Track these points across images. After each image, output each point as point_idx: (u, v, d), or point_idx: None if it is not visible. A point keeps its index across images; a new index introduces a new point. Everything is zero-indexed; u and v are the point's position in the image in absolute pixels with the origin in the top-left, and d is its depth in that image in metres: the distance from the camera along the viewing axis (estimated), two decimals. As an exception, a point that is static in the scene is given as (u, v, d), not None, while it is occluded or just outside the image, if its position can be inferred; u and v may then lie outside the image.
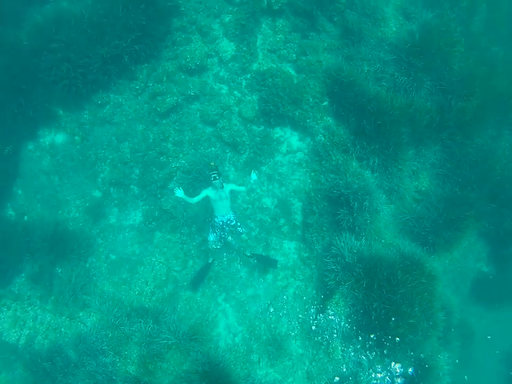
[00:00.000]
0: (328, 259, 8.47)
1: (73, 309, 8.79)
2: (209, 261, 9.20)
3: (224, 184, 8.55)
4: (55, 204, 9.86)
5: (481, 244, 10.80)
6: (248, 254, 9.08)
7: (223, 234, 8.88)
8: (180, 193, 8.25)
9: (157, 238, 9.65)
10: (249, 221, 9.68)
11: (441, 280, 8.56)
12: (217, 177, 8.33)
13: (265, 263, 9.25)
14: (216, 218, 8.80)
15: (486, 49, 9.71)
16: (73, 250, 9.31)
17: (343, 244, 8.38)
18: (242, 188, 8.93)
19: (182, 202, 9.38)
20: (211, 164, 8.55)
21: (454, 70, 9.29)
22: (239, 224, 8.96)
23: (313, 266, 9.11)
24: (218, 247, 9.01)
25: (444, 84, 9.29)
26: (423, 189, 9.55)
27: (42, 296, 9.01)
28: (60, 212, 9.81)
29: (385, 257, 8.14)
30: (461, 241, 9.27)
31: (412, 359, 8.01)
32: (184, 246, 9.55)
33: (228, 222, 8.82)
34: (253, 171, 8.59)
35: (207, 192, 8.56)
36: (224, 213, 8.76)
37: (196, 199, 8.51)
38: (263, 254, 9.35)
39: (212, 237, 8.92)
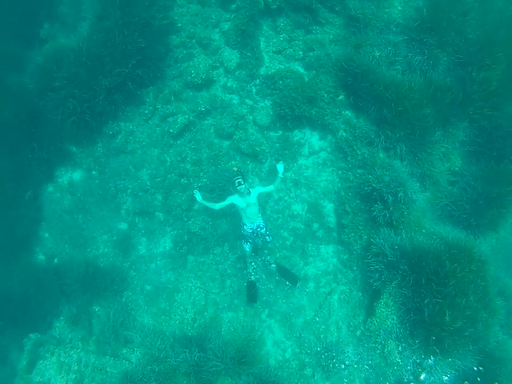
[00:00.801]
0: (370, 259, 8.05)
1: (116, 346, 8.64)
2: (252, 279, 8.73)
3: (250, 189, 8.18)
4: (83, 242, 9.78)
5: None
6: (272, 262, 8.71)
7: (256, 241, 8.61)
8: (198, 196, 8.01)
9: (190, 262, 9.40)
10: (282, 231, 9.35)
11: (492, 263, 7.99)
12: (242, 183, 7.95)
13: (286, 276, 8.83)
14: (245, 226, 8.46)
15: (504, 10, 9.05)
16: (107, 287, 9.18)
17: (382, 241, 7.97)
18: (271, 187, 8.48)
19: (210, 222, 9.19)
20: (234, 168, 8.29)
21: (470, 40, 8.70)
22: (268, 232, 8.61)
23: (355, 268, 8.72)
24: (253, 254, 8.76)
25: (462, 56, 8.73)
26: (456, 169, 9.01)
27: (84, 338, 8.92)
28: (88, 249, 9.72)
29: (429, 249, 7.69)
30: (507, 218, 8.68)
31: (476, 354, 7.54)
32: (219, 266, 9.26)
33: (258, 229, 8.50)
34: (278, 162, 8.26)
35: (233, 199, 8.22)
36: (253, 219, 8.42)
37: (219, 205, 8.25)
38: (287, 267, 8.93)
39: (246, 247, 8.61)
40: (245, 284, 8.84)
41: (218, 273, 9.24)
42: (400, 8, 9.23)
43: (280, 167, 8.28)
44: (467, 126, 8.94)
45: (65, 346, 8.92)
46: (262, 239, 8.66)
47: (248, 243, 8.56)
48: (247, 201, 8.15)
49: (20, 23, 10.44)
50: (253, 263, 8.74)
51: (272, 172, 9.53)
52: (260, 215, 8.51)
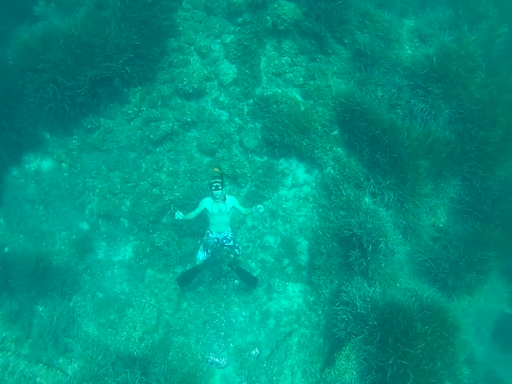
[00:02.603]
0: (337, 306, 7.26)
1: (53, 354, 7.57)
2: (199, 267, 7.85)
3: (227, 196, 7.19)
4: (39, 235, 8.83)
5: (503, 282, 9.55)
6: (234, 267, 7.89)
7: (215, 253, 7.66)
8: (180, 215, 6.92)
9: (148, 277, 8.53)
10: (249, 261, 8.56)
11: (465, 329, 7.40)
12: (219, 187, 6.95)
13: (246, 279, 8.03)
14: (210, 234, 7.41)
15: (509, 74, 8.64)
16: (56, 288, 8.20)
17: (354, 290, 7.22)
18: (243, 210, 7.41)
19: (176, 239, 8.38)
20: (214, 169, 7.25)
21: (475, 97, 8.22)
22: (236, 244, 7.60)
23: (320, 312, 7.92)
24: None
25: (464, 112, 8.21)
26: (441, 225, 8.42)
27: (19, 339, 7.79)
28: (43, 244, 8.76)
29: (402, 306, 6.97)
30: (484, 284, 8.16)
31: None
32: (178, 286, 8.32)
33: (224, 241, 7.43)
34: (259, 205, 7.16)
35: (205, 203, 7.16)
36: (221, 229, 7.38)
37: (194, 213, 7.18)
38: (247, 270, 8.16)
39: (201, 255, 7.54)
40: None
41: (175, 293, 8.38)
42: (410, 52, 8.69)
43: (259, 208, 7.10)
44: (458, 184, 8.40)
45: (-7, 346, 7.87)
46: (231, 252, 7.74)
47: (205, 252, 7.51)
48: (219, 208, 7.12)
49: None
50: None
51: (250, 199, 8.76)
52: (230, 227, 7.53)
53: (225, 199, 7.13)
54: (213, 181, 7.01)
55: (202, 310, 8.23)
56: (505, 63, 8.80)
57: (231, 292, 8.37)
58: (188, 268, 8.30)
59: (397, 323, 6.82)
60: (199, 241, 7.72)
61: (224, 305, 8.27)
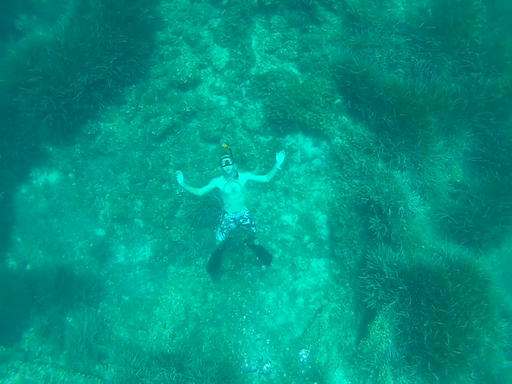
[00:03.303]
0: (365, 276, 7.11)
1: (89, 362, 7.54)
2: (219, 248, 7.69)
3: (239, 173, 6.80)
4: (57, 248, 8.74)
5: (529, 229, 9.24)
6: (250, 243, 7.70)
7: (233, 233, 7.34)
8: (180, 178, 6.62)
9: (171, 273, 8.38)
10: (270, 242, 8.34)
11: (496, 282, 7.22)
12: (230, 162, 6.56)
13: (261, 256, 7.84)
14: (226, 215, 7.12)
15: (513, 12, 8.20)
16: (82, 297, 8.15)
17: (379, 257, 7.04)
18: (264, 178, 6.98)
19: (193, 231, 8.17)
20: (223, 145, 6.67)
21: (477, 44, 7.81)
22: (253, 223, 7.32)
23: (348, 284, 7.76)
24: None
25: (468, 62, 7.85)
26: (458, 181, 8.11)
27: (54, 352, 7.81)
28: (63, 256, 8.67)
29: (430, 267, 6.83)
30: (511, 234, 7.80)
31: (479, 382, 6.65)
32: (202, 278, 8.23)
33: (241, 221, 7.17)
34: (280, 152, 6.84)
35: (217, 182, 6.80)
36: (236, 209, 7.07)
37: (202, 191, 6.83)
38: (262, 246, 7.94)
39: (220, 237, 7.29)
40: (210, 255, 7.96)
41: (200, 286, 8.21)
42: (403, 8, 8.29)
43: (280, 157, 6.81)
44: (471, 136, 8.03)
45: (32, 361, 7.75)
46: (247, 230, 7.44)
47: (223, 233, 7.23)
48: (232, 186, 6.76)
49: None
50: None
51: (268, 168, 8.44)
52: (245, 205, 7.26)
53: (237, 176, 6.76)
54: (222, 156, 6.66)
55: (229, 298, 8.06)
56: (508, 2, 8.29)
57: (255, 277, 8.18)
58: (209, 256, 8.13)
59: (427, 285, 6.68)
60: (217, 222, 7.44)
61: (250, 290, 8.09)
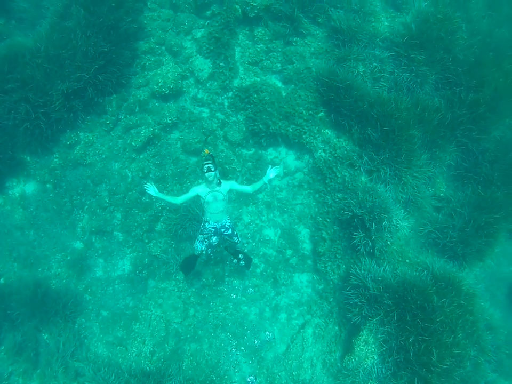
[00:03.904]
0: (349, 291, 6.95)
1: (64, 381, 7.11)
2: (196, 254, 7.21)
3: (222, 181, 6.52)
4: (34, 261, 8.29)
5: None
6: (231, 251, 7.31)
7: (214, 243, 6.88)
8: (152, 190, 6.30)
9: (151, 288, 8.07)
10: (251, 257, 7.97)
11: (481, 295, 7.19)
12: (212, 168, 6.25)
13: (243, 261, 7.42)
14: (207, 224, 6.79)
15: (490, 32, 8.26)
16: (58, 312, 7.69)
17: (364, 272, 6.89)
18: (248, 188, 6.71)
19: (173, 245, 7.89)
20: (204, 151, 6.38)
21: (459, 60, 7.85)
22: (235, 233, 7.05)
23: (332, 299, 7.56)
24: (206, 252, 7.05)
25: (450, 76, 7.86)
26: (442, 194, 8.07)
27: (26, 371, 7.32)
28: (39, 269, 8.24)
29: (415, 282, 6.69)
30: (494, 247, 7.76)
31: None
32: (182, 293, 7.94)
33: (222, 230, 6.86)
34: (274, 167, 6.48)
35: (198, 190, 6.50)
36: (218, 218, 6.75)
37: (181, 199, 6.52)
38: (244, 251, 7.67)
39: (200, 246, 6.94)
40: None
41: (180, 301, 7.92)
42: (386, 23, 8.29)
43: (273, 172, 6.43)
44: (454, 150, 7.99)
45: (0, 384, 7.37)
46: (229, 239, 7.08)
47: (204, 243, 6.89)
48: (214, 194, 6.47)
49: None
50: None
51: (242, 194, 8.24)
52: (227, 215, 6.96)
53: (220, 183, 6.47)
54: (204, 162, 6.33)
55: (210, 314, 7.81)
56: (485, 22, 8.41)
57: (237, 292, 7.94)
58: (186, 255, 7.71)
59: (412, 299, 6.53)
60: (198, 231, 7.06)
61: (232, 306, 7.85)
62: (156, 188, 6.40)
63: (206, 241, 6.94)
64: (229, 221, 6.96)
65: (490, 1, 8.77)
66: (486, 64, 7.97)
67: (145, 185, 6.42)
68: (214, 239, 6.91)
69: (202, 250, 7.01)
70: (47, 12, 8.19)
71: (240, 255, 7.33)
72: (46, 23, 8.09)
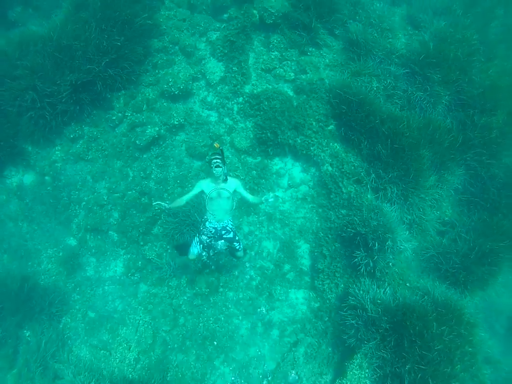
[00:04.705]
0: (345, 311, 6.57)
1: (41, 383, 6.76)
2: (191, 258, 6.60)
3: (229, 178, 6.07)
4: (24, 254, 7.95)
5: (515, 274, 8.88)
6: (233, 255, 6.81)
7: (212, 247, 6.21)
8: (165, 205, 6.01)
9: (142, 292, 7.69)
10: (248, 269, 7.74)
11: (481, 326, 6.73)
12: (220, 165, 5.84)
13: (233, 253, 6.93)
14: (207, 223, 6.19)
15: (507, 57, 8.09)
16: (44, 309, 7.34)
17: (363, 293, 6.53)
18: (250, 198, 6.33)
19: (168, 250, 7.60)
20: (215, 144, 5.97)
21: (475, 82, 7.70)
22: (237, 238, 6.38)
23: (327, 319, 7.16)
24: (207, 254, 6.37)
25: (464, 98, 7.68)
26: (447, 218, 7.76)
27: (1, 370, 6.90)
28: (29, 263, 7.89)
29: (414, 307, 6.28)
30: (497, 276, 7.45)
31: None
32: (173, 300, 7.55)
33: (223, 232, 6.19)
34: (273, 194, 6.36)
35: (204, 185, 6.05)
36: (220, 217, 6.17)
37: (187, 197, 6.09)
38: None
39: (195, 250, 6.29)
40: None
41: (171, 308, 7.52)
42: (404, 40, 8.13)
43: (270, 197, 6.14)
44: (462, 173, 7.74)
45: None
46: (229, 245, 6.36)
47: (200, 246, 6.23)
48: (219, 191, 6.01)
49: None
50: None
51: (244, 203, 7.77)
52: (230, 216, 6.35)
53: (226, 180, 6.02)
54: (213, 157, 5.91)
55: (201, 324, 7.40)
56: (502, 46, 8.30)
57: (230, 304, 7.56)
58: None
59: (411, 325, 6.13)
60: (197, 231, 6.54)
61: (223, 318, 7.45)
62: (165, 204, 6.02)
63: (204, 244, 6.24)
64: (232, 223, 6.36)
65: (509, 27, 8.61)
66: (502, 88, 7.80)
67: (155, 203, 6.06)
68: (220, 243, 6.20)
69: (201, 254, 6.34)
70: (63, 2, 8.02)
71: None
72: (62, 12, 7.97)
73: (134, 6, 7.86)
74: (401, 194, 7.11)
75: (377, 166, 7.15)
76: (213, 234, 6.18)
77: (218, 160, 5.86)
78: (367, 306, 6.41)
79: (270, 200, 6.11)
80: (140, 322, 7.44)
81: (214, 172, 5.88)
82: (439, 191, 7.52)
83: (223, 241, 6.25)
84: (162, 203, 6.04)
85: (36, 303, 7.35)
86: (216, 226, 6.20)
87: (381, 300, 6.47)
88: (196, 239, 6.36)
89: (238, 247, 6.51)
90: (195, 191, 6.08)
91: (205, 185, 6.09)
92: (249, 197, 6.31)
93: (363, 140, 7.30)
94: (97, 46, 7.57)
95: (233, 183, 6.14)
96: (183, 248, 6.78)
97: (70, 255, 7.89)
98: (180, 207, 6.35)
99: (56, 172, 8.14)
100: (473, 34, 7.86)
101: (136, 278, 7.80)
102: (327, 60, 8.08)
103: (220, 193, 6.05)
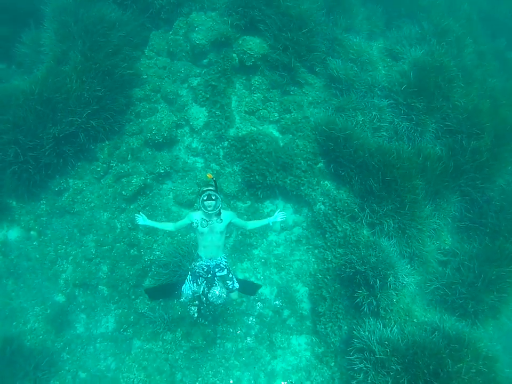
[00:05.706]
0: (352, 355, 6.10)
1: None
2: (183, 300, 5.80)
3: (222, 212, 5.44)
4: (9, 314, 7.40)
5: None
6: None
7: (205, 286, 5.49)
8: (142, 220, 5.50)
9: (135, 348, 7.12)
10: (245, 317, 7.23)
11: (503, 360, 6.34)
12: (213, 197, 5.23)
13: (247, 290, 6.35)
14: (199, 260, 5.56)
15: (484, 81, 8.08)
16: (28, 373, 6.67)
17: (368, 333, 6.08)
18: (247, 224, 5.78)
19: (161, 303, 7.10)
20: (207, 175, 5.47)
21: (458, 107, 7.60)
22: (231, 275, 5.72)
23: (333, 364, 6.67)
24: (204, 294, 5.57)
25: (450, 124, 7.55)
26: (447, 247, 7.41)
27: None
28: (14, 323, 7.31)
29: (425, 344, 5.88)
30: (508, 303, 7.02)
31: None
32: (169, 355, 6.98)
33: (216, 270, 5.54)
34: (282, 214, 5.67)
35: (194, 217, 5.40)
36: (212, 253, 5.53)
37: (176, 225, 5.54)
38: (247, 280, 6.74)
39: (187, 288, 5.58)
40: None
41: (167, 364, 6.95)
42: (384, 71, 8.06)
43: (280, 215, 5.63)
44: (458, 200, 7.46)
45: None
46: (222, 284, 5.62)
47: (194, 284, 5.52)
48: (211, 225, 5.36)
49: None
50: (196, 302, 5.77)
51: (237, 249, 7.51)
52: (223, 252, 5.73)
53: (219, 214, 5.40)
54: (205, 188, 5.34)
55: (199, 379, 6.82)
56: (478, 71, 8.32)
57: (230, 355, 7.01)
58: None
59: (424, 364, 5.70)
60: (188, 269, 5.86)
61: (223, 370, 6.88)
62: (144, 217, 5.52)
63: (197, 282, 5.52)
64: (225, 259, 5.70)
65: (480, 53, 8.72)
66: (484, 111, 7.70)
67: (137, 216, 5.55)
68: (218, 289, 5.46)
69: (194, 293, 5.56)
70: (46, 57, 7.91)
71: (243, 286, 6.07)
72: (43, 67, 7.82)
73: (114, 57, 7.76)
74: (398, 227, 6.79)
75: (371, 200, 6.85)
76: (205, 272, 5.52)
77: (211, 192, 5.26)
78: (374, 348, 5.97)
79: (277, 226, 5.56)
80: (135, 380, 6.84)
81: (206, 204, 5.24)
82: (437, 220, 7.22)
83: (219, 288, 5.51)
84: (142, 217, 5.53)
85: (19, 367, 6.70)
86: (208, 264, 5.55)
87: (388, 339, 6.04)
88: (188, 277, 5.66)
89: (232, 286, 5.75)
90: (185, 221, 5.47)
91: (195, 217, 5.43)
92: (248, 223, 5.77)
93: (354, 175, 7.03)
94: (78, 98, 7.41)
95: (227, 217, 5.52)
96: (156, 292, 6.30)
97: (59, 312, 7.35)
98: (162, 230, 5.98)
99: (41, 226, 7.75)
100: (450, 61, 7.83)
101: (129, 333, 7.25)
102: (310, 98, 7.93)
103: (212, 227, 5.40)
